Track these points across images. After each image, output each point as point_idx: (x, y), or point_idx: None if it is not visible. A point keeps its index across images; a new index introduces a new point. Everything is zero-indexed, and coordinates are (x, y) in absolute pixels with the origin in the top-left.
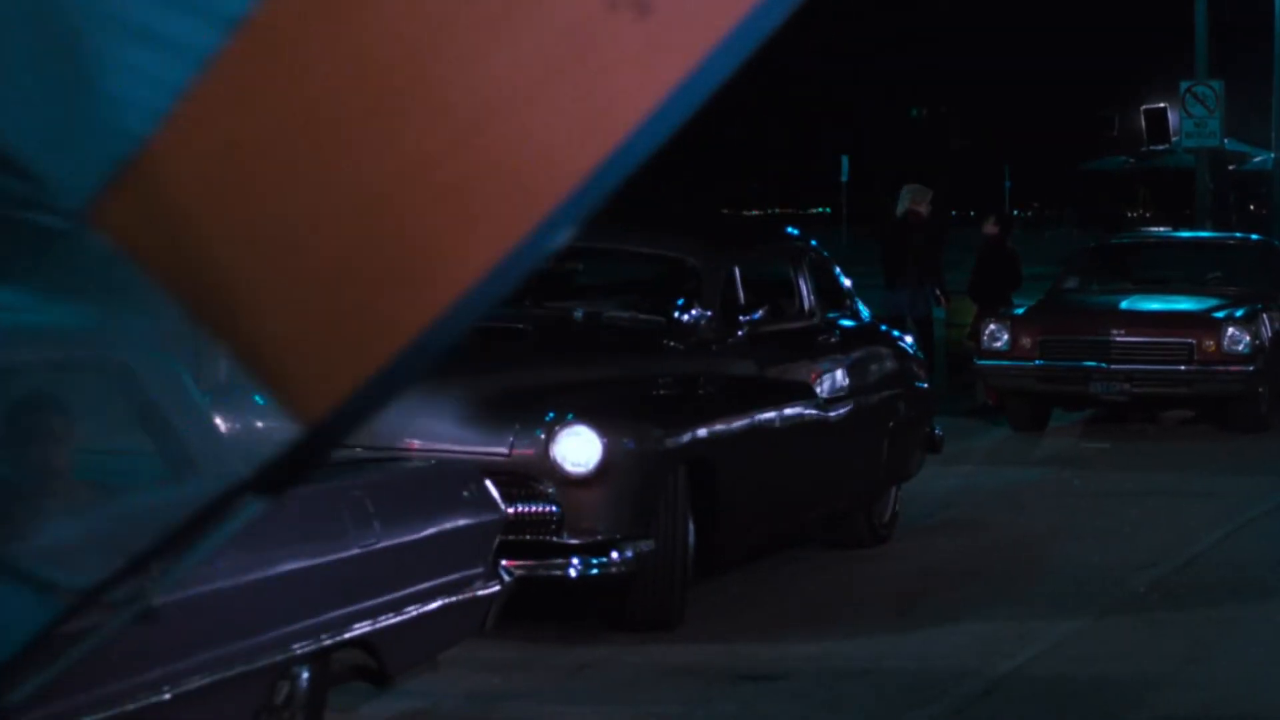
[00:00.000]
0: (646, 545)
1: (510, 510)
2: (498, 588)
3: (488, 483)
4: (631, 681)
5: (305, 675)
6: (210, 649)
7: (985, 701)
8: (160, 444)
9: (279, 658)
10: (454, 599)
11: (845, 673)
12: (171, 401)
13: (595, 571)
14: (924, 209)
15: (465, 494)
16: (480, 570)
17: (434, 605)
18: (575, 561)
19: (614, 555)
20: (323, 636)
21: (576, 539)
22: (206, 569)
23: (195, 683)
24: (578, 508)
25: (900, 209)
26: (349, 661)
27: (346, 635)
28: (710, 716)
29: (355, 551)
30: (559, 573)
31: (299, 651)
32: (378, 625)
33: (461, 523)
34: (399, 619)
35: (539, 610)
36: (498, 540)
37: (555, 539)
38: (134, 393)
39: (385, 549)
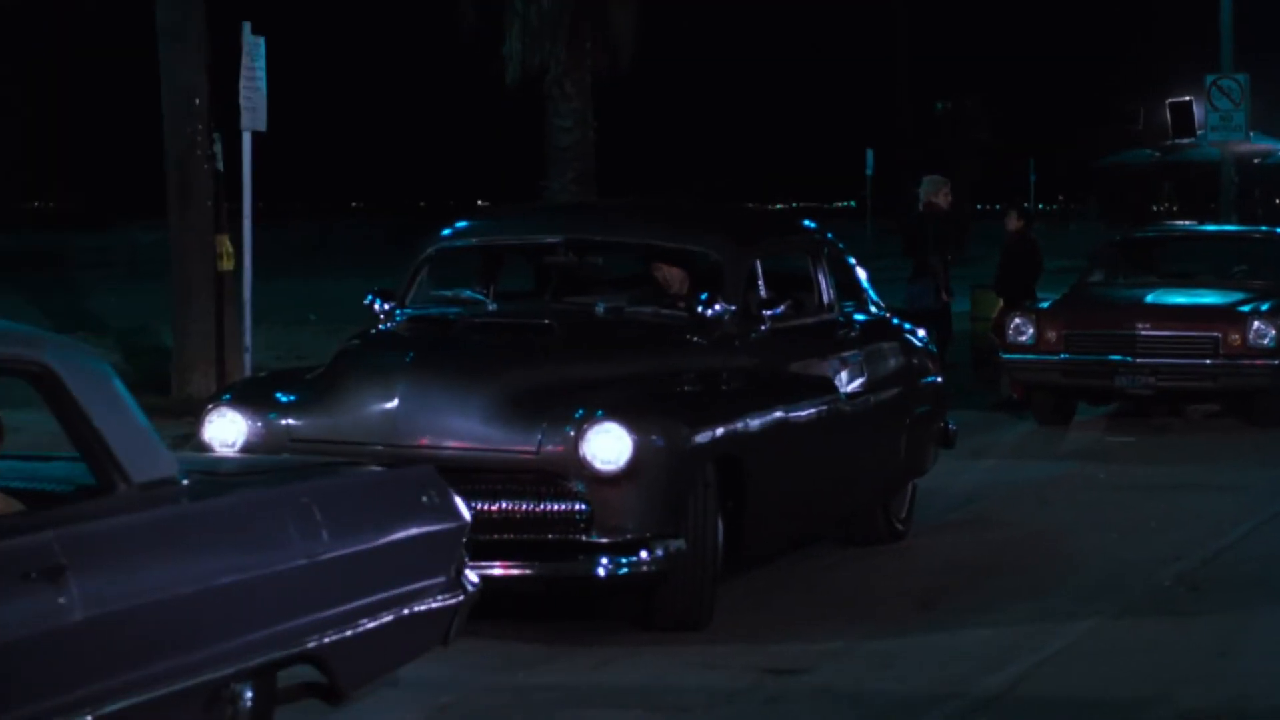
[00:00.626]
0: (677, 544)
1: (538, 508)
2: (461, 598)
3: (449, 488)
4: (655, 677)
5: (248, 693)
6: (140, 666)
7: (1009, 696)
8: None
9: (217, 674)
10: (412, 610)
11: (868, 668)
12: (99, 404)
13: (625, 571)
14: (942, 200)
15: (424, 500)
16: (441, 580)
17: (389, 617)
18: (604, 560)
19: (644, 554)
20: (266, 651)
21: (605, 538)
22: (132, 579)
23: (122, 703)
24: (607, 506)
25: (920, 201)
26: (298, 677)
27: (292, 650)
28: (734, 712)
29: (301, 562)
30: (587, 572)
31: (240, 668)
32: (327, 639)
33: (420, 530)
34: (350, 632)
35: (558, 607)
36: (461, 547)
37: (584, 538)
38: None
39: (334, 558)
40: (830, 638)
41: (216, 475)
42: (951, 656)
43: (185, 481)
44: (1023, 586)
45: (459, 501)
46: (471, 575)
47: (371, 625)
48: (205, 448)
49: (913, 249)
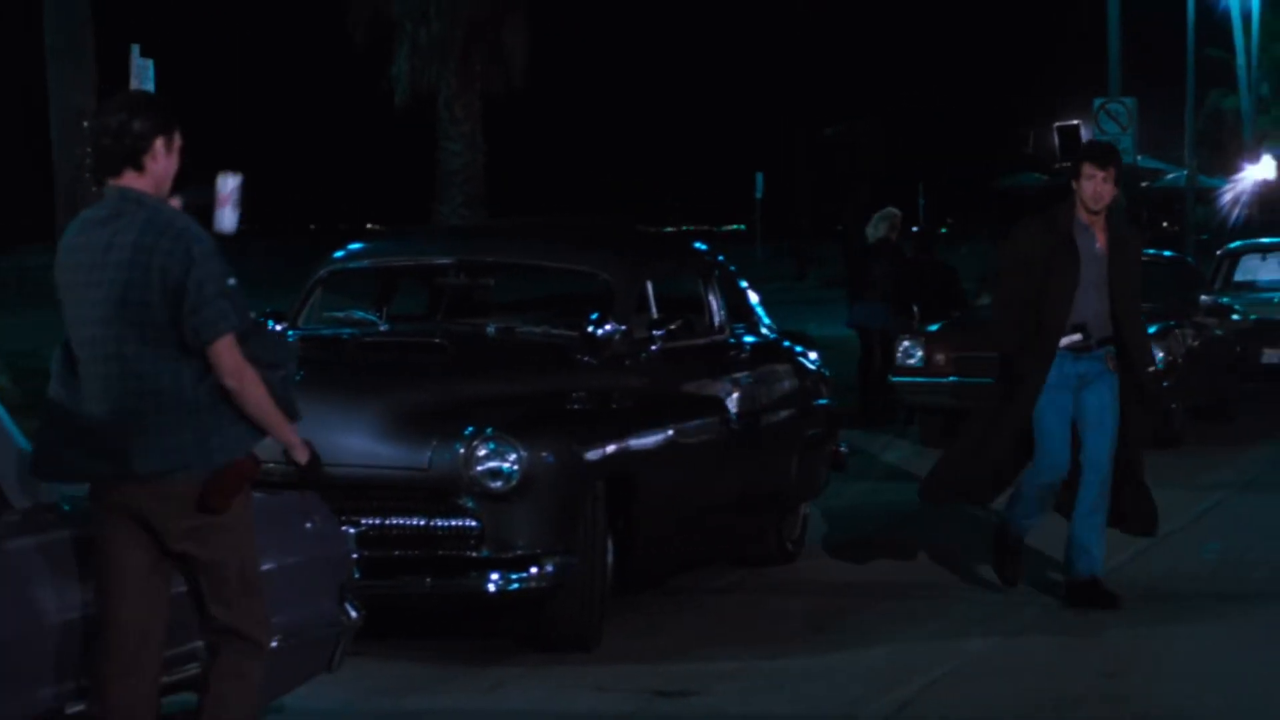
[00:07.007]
0: (567, 560)
1: (429, 525)
2: (345, 624)
3: (332, 513)
4: (546, 700)
5: None
6: (22, 690)
7: (900, 717)
8: None
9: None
10: (295, 637)
11: (759, 690)
12: None
13: (516, 586)
14: (894, 234)
15: (308, 525)
16: (325, 607)
17: (272, 644)
18: (495, 576)
19: (534, 570)
20: None
21: (496, 554)
22: (14, 605)
23: None
24: (498, 522)
25: (876, 234)
26: (179, 704)
27: (174, 676)
28: None
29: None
30: (478, 588)
31: None
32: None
33: (302, 557)
34: None
35: (452, 628)
36: (346, 573)
37: (475, 554)
38: None
39: None
40: (722, 659)
41: None
42: (843, 677)
43: (67, 508)
44: (914, 607)
45: (343, 528)
46: (355, 606)
47: None
48: None
49: (861, 277)
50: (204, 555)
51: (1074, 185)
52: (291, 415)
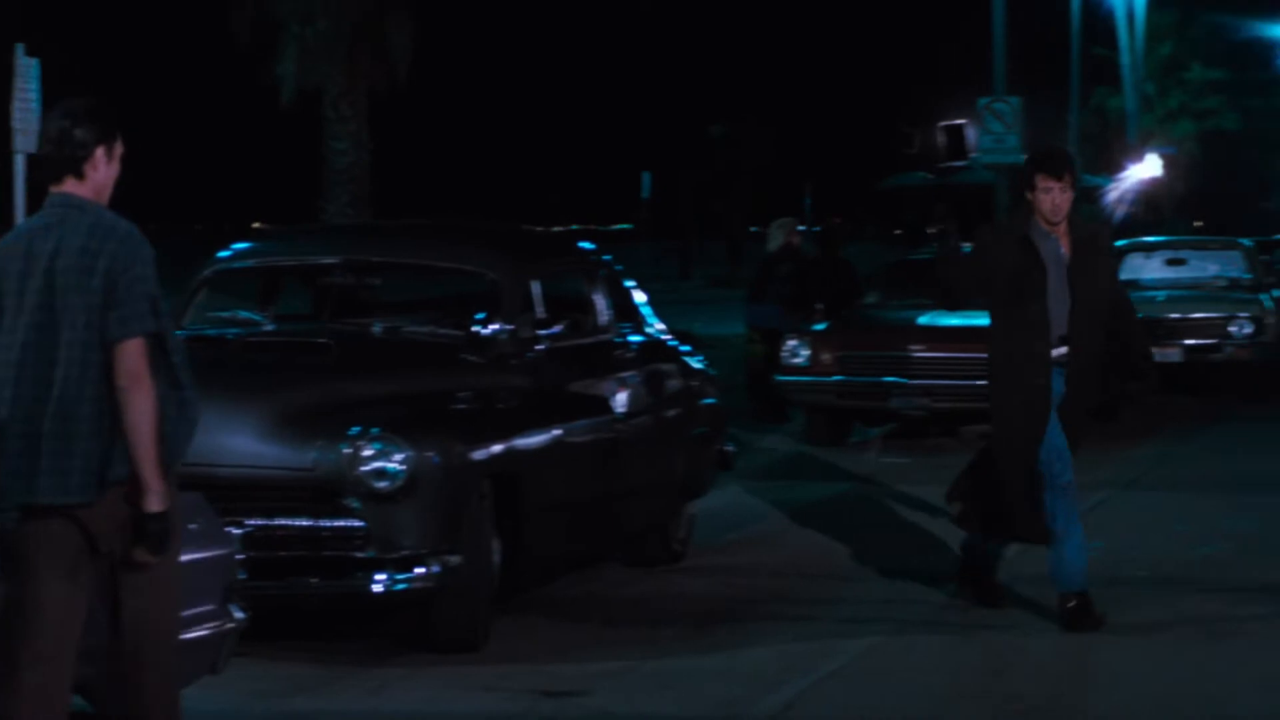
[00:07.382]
0: (453, 560)
1: (315, 526)
2: (230, 626)
3: (216, 514)
4: (432, 701)
5: None
6: None
7: (785, 716)
8: None
9: None
10: (179, 640)
11: (645, 690)
12: None
13: (402, 587)
14: (795, 239)
15: (192, 527)
16: (210, 608)
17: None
18: (380, 577)
19: (420, 570)
20: None
21: (382, 554)
22: None
23: None
24: (383, 522)
25: (775, 244)
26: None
27: None
28: None
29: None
30: (363, 588)
31: None
32: (93, 667)
33: (187, 558)
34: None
35: (338, 629)
36: (230, 574)
37: (360, 554)
38: None
39: None
40: (608, 659)
41: None
42: (729, 677)
43: None
44: (800, 607)
45: (228, 528)
46: (240, 606)
47: None
48: None
49: (763, 290)
50: (132, 553)
51: (1029, 197)
52: (167, 459)
